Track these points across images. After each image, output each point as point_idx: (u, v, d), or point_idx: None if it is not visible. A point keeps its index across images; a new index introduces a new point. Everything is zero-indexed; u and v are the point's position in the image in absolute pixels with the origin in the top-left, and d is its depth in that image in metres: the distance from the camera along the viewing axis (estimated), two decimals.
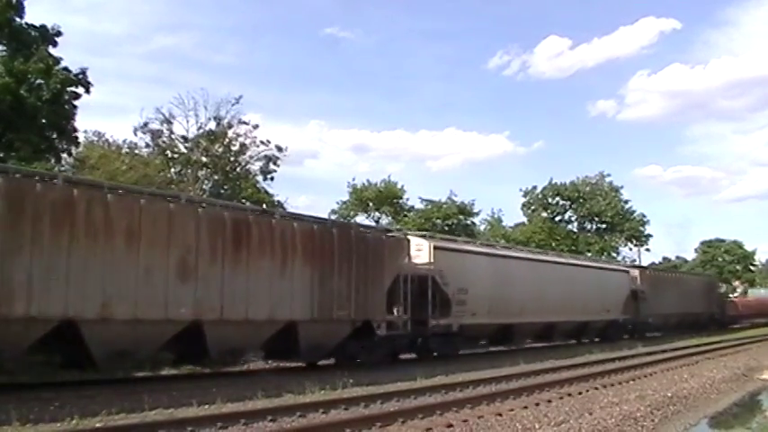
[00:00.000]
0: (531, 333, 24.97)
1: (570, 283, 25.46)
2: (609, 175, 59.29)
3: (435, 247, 18.97)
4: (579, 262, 29.74)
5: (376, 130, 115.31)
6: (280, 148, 40.63)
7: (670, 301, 35.33)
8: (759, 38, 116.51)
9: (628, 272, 32.16)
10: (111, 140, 36.90)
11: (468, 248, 21.67)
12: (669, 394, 12.95)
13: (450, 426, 9.18)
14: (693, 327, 39.15)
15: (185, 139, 38.85)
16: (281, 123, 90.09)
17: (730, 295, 55.66)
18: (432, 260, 18.49)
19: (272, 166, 40.45)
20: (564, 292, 24.65)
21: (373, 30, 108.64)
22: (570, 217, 59.14)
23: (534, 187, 58.46)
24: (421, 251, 18.58)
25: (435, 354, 18.66)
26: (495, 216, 57.11)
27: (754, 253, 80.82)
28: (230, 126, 38.99)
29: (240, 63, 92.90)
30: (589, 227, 59.16)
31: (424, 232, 22.76)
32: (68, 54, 23.73)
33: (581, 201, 57.67)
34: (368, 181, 50.93)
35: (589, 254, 55.74)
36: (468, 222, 50.76)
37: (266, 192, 40.63)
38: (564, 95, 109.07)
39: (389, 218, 50.65)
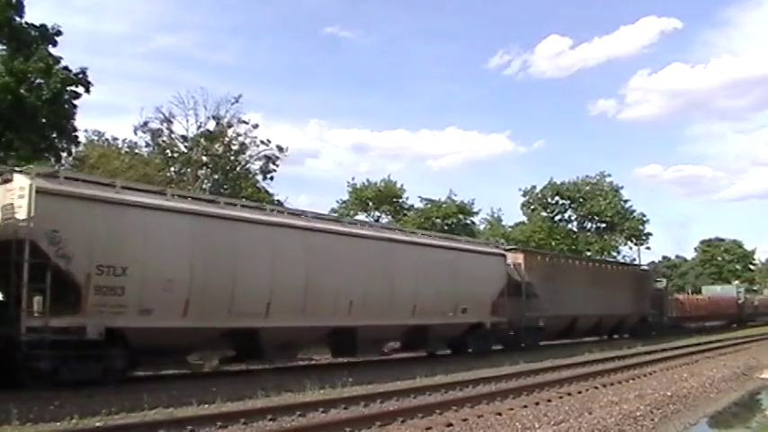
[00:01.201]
0: (301, 342, 16.32)
1: (385, 268, 16.83)
2: (609, 174, 59.49)
3: (41, 191, 10.92)
4: (404, 237, 18.79)
5: (377, 129, 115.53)
6: (280, 148, 40.69)
7: (577, 298, 25.96)
8: (758, 38, 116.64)
9: (504, 256, 22.08)
10: (110, 140, 37.01)
11: (130, 199, 12.20)
12: (669, 393, 12.94)
13: (449, 425, 9.18)
14: (617, 332, 31.66)
15: (185, 138, 38.91)
16: (281, 123, 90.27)
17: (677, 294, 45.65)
18: (33, 213, 10.77)
19: (271, 166, 40.55)
20: (372, 280, 16.27)
21: (374, 29, 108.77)
22: (570, 216, 59.26)
23: (534, 187, 58.62)
24: (23, 198, 10.99)
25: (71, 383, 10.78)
26: (495, 215, 57.26)
27: (753, 252, 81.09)
28: (230, 125, 39.07)
29: (241, 63, 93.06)
30: (589, 226, 59.23)
31: (28, 167, 13.38)
32: (69, 54, 23.81)
33: (581, 200, 57.73)
34: (367, 180, 51.10)
35: (589, 253, 55.85)
36: (468, 222, 50.85)
37: (266, 191, 40.68)
38: (564, 95, 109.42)
39: (389, 217, 50.74)
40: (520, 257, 23.70)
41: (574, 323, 26.64)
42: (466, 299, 19.54)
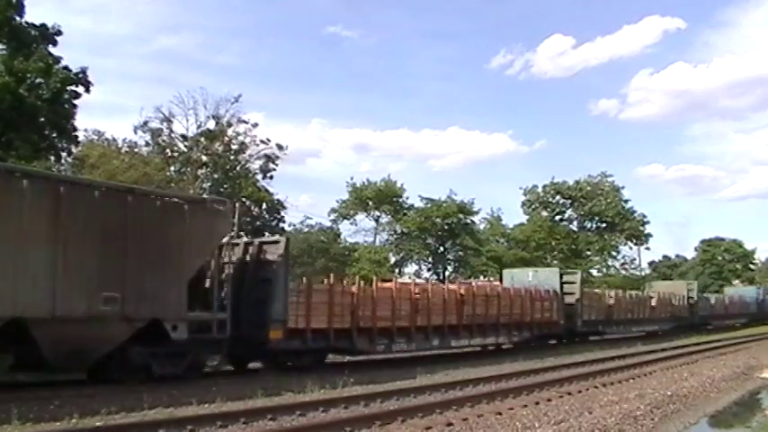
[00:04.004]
0: None
1: None
2: (611, 175, 59.52)
3: None
4: None
5: (379, 129, 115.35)
6: (280, 147, 40.78)
7: None
8: (758, 38, 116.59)
9: None
10: (110, 139, 37.03)
11: None
12: (669, 393, 12.94)
13: (449, 424, 9.17)
14: None
15: (185, 137, 38.96)
16: (283, 123, 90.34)
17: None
18: None
19: (271, 165, 40.60)
20: None
21: (376, 29, 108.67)
22: (570, 216, 59.30)
23: (534, 186, 58.69)
24: None
25: None
26: (495, 215, 57.30)
27: (753, 252, 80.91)
28: (230, 125, 39.11)
29: (242, 63, 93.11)
30: (589, 226, 59.26)
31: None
32: (72, 55, 23.78)
33: (581, 200, 57.76)
34: (367, 180, 51.17)
35: (588, 253, 55.89)
36: (468, 221, 50.85)
37: (266, 190, 40.74)
38: (566, 95, 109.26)
39: (389, 216, 50.78)
40: None
41: None
42: None
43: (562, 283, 25.17)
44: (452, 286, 20.32)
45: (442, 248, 50.51)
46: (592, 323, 26.31)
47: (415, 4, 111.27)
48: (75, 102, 22.37)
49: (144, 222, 11.88)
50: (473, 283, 22.27)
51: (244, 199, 38.72)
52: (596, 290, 31.02)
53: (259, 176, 41.65)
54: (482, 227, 55.48)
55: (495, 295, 20.95)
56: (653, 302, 32.15)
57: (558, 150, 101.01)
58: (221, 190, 36.33)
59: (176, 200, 12.97)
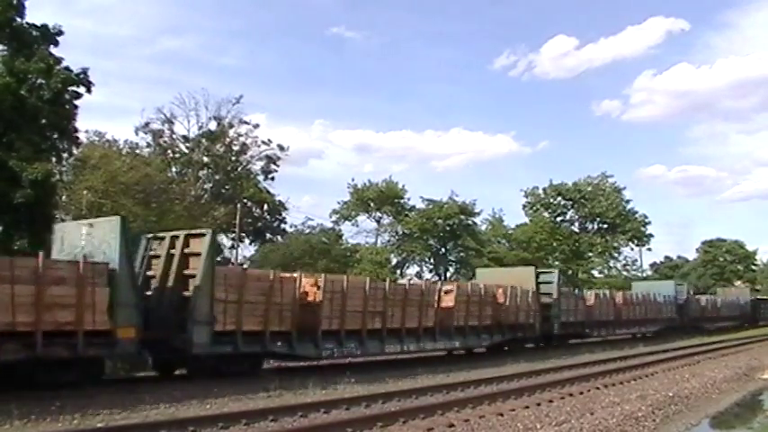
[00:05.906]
0: None
1: None
2: (612, 175, 59.46)
3: None
4: None
5: (381, 130, 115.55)
6: (281, 148, 40.86)
7: None
8: (760, 40, 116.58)
9: None
10: (111, 141, 36.98)
11: None
12: (670, 394, 12.92)
13: (451, 425, 9.17)
14: None
15: (186, 138, 39.00)
16: (285, 124, 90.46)
17: None
18: None
19: (272, 166, 40.66)
20: None
21: (379, 31, 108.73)
22: (572, 217, 59.26)
23: (536, 187, 58.67)
24: None
25: None
26: (497, 216, 57.24)
27: (755, 253, 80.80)
28: (231, 126, 39.16)
29: (245, 65, 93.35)
30: (590, 227, 59.22)
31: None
32: (74, 56, 23.75)
33: (582, 201, 57.73)
34: (369, 181, 51.20)
35: (591, 254, 55.86)
36: (470, 222, 50.82)
37: (268, 192, 40.79)
38: (569, 96, 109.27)
39: (390, 217, 50.77)
40: None
41: None
42: None
43: (150, 256, 12.90)
44: None
45: (443, 249, 50.49)
46: (225, 338, 12.93)
47: (418, 6, 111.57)
48: (77, 102, 22.35)
49: None
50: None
51: (245, 200, 38.75)
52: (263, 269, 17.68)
53: (260, 177, 41.74)
54: (484, 228, 55.47)
55: None
56: (447, 301, 18.52)
57: (560, 151, 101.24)
58: (222, 191, 36.38)
59: None
